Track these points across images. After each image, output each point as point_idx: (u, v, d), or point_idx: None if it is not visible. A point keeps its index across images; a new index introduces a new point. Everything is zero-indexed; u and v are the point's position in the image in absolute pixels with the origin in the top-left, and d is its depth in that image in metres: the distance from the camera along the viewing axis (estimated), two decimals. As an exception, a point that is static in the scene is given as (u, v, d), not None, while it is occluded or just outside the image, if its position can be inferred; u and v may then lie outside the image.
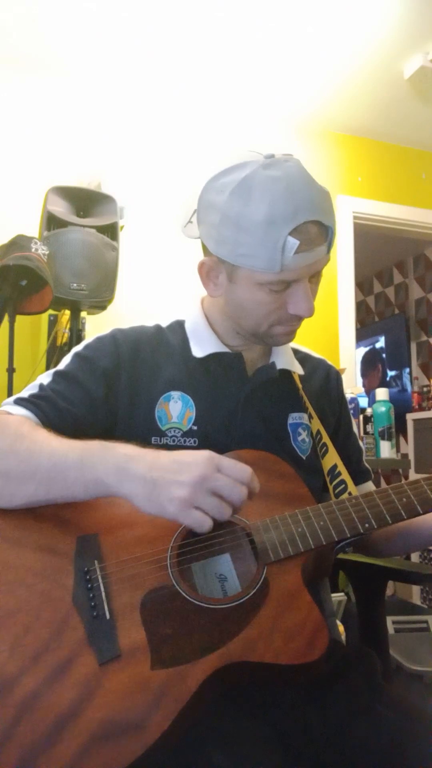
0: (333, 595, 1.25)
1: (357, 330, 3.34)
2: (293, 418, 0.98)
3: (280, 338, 0.93)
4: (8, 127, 2.54)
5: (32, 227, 2.23)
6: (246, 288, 0.87)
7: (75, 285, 2.05)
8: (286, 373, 1.00)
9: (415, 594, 3.22)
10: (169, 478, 0.70)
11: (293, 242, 0.80)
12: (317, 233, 0.83)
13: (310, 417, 0.99)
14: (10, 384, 2.00)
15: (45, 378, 0.93)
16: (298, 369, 1.02)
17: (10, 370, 2.01)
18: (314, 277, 0.88)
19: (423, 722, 0.74)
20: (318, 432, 0.98)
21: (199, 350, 0.95)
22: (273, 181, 0.81)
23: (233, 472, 0.72)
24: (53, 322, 2.28)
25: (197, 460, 0.71)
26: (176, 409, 0.92)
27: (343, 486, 0.94)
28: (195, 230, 0.93)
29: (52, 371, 0.93)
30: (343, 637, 1.68)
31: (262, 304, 0.87)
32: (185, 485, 0.69)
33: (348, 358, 2.95)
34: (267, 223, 0.80)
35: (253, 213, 0.80)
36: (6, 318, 2.00)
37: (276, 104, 2.87)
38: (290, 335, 0.93)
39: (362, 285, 5.12)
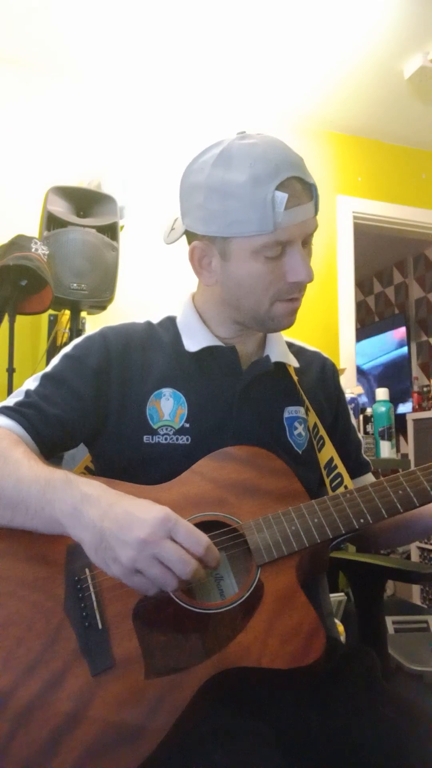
0: (333, 595, 1.25)
1: (357, 330, 3.34)
2: (289, 411, 0.96)
3: (282, 320, 0.90)
4: (9, 127, 2.54)
5: (32, 227, 2.23)
6: (241, 262, 0.86)
7: (75, 285, 2.05)
8: (281, 366, 0.98)
9: (415, 594, 3.22)
10: (116, 534, 0.66)
11: (282, 196, 0.81)
12: (302, 190, 0.84)
13: (307, 410, 0.97)
14: (10, 384, 2.00)
15: (32, 383, 0.91)
16: (293, 361, 1.00)
17: (10, 370, 2.01)
18: (306, 242, 0.87)
19: (423, 722, 0.73)
20: (315, 425, 0.97)
21: (191, 344, 0.94)
22: (250, 146, 0.84)
23: (186, 542, 0.66)
24: (53, 322, 2.28)
25: (148, 520, 0.66)
26: (168, 406, 0.90)
27: (339, 479, 0.93)
28: (177, 233, 0.94)
29: (39, 374, 0.91)
30: (343, 637, 1.68)
31: (259, 276, 0.86)
32: (129, 547, 0.64)
33: (348, 358, 2.95)
34: (252, 183, 0.81)
35: (236, 177, 0.82)
36: (6, 318, 2.00)
37: (276, 104, 2.87)
38: (292, 315, 0.91)
39: (362, 285, 5.13)
